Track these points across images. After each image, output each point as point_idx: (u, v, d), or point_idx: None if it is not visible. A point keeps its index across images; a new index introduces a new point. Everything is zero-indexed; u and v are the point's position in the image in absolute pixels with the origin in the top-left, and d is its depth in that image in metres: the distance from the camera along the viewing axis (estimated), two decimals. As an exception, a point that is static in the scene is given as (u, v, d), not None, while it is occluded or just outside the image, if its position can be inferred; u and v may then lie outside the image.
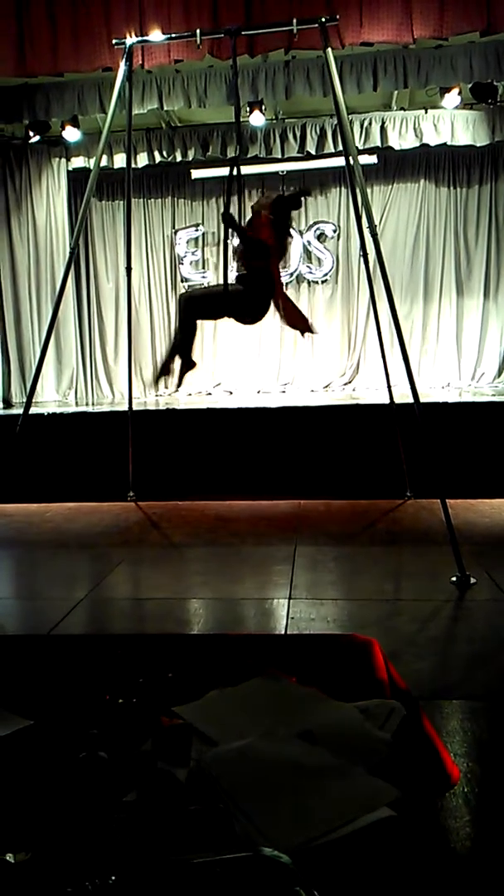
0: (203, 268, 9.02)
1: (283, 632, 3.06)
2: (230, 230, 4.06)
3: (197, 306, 4.40)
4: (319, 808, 1.11)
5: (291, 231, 4.27)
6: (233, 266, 4.22)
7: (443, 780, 1.77)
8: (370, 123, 7.80)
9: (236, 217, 4.07)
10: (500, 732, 2.19)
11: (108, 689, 1.53)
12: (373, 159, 8.20)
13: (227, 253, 4.10)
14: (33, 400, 4.81)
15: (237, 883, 0.91)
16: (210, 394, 8.92)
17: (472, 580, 3.68)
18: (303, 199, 4.26)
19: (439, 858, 1.39)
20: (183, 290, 9.01)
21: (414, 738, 1.49)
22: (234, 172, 4.07)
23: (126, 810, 1.10)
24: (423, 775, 1.52)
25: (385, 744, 1.28)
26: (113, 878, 0.92)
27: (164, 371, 4.39)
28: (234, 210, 4.08)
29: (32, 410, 4.78)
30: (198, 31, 4.63)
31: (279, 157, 8.03)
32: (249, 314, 4.22)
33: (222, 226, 4.06)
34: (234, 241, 4.16)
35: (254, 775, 1.18)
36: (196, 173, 8.47)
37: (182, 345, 4.26)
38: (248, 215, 4.25)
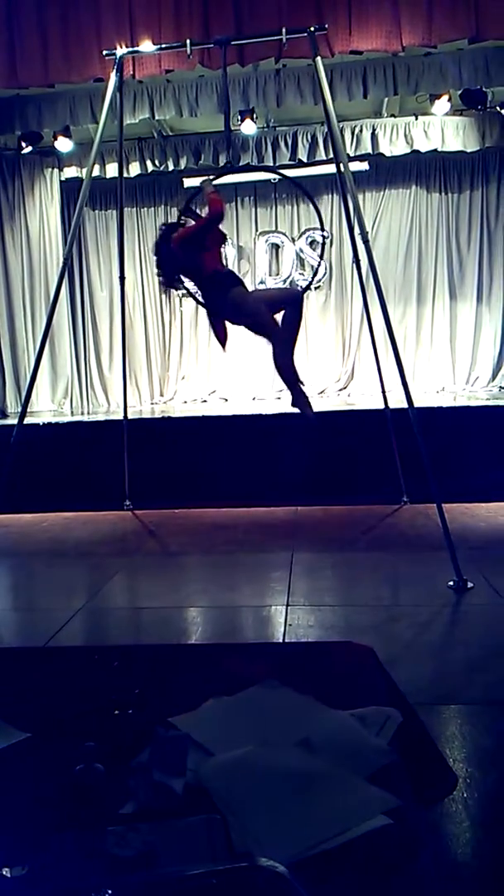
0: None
1: (280, 639, 3.06)
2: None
3: None
4: (316, 816, 1.11)
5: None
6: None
7: (441, 786, 1.76)
8: (361, 130, 7.84)
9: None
10: (498, 737, 2.19)
11: (104, 700, 1.52)
12: (364, 166, 8.24)
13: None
14: (28, 409, 4.81)
15: (233, 893, 0.91)
16: (205, 401, 8.93)
17: (469, 585, 3.68)
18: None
19: (438, 865, 1.39)
20: (178, 299, 9.03)
21: (411, 744, 1.49)
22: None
23: (123, 822, 1.09)
24: (420, 782, 1.52)
25: (382, 752, 1.28)
26: (109, 891, 0.92)
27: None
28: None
29: (27, 420, 4.78)
30: (188, 41, 4.65)
31: (271, 164, 8.06)
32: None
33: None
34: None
35: (250, 785, 1.18)
36: (188, 182, 8.50)
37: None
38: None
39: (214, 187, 4.18)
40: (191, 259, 4.06)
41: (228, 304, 4.11)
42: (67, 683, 1.68)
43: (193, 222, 4.41)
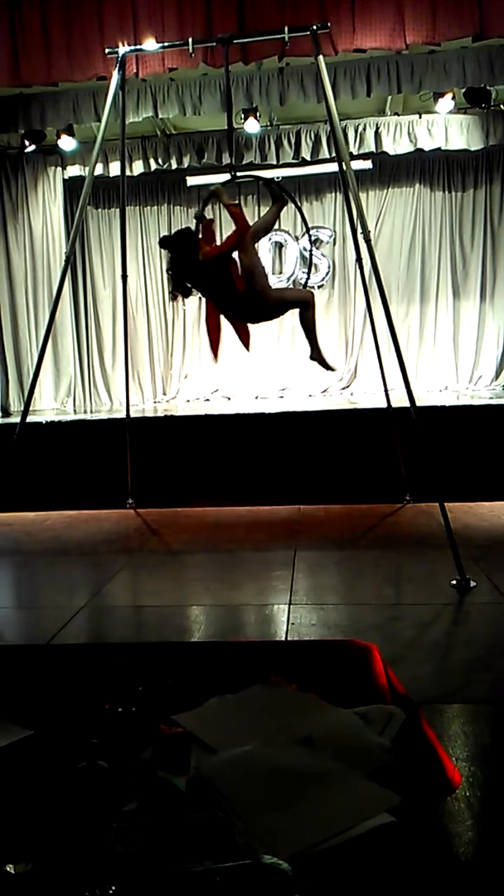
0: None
1: (283, 638, 3.06)
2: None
3: None
4: (319, 814, 1.11)
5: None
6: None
7: (444, 784, 1.77)
8: (364, 129, 7.83)
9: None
10: (501, 736, 2.19)
11: (107, 698, 1.52)
12: (368, 164, 8.23)
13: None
14: (31, 408, 4.81)
15: (237, 891, 0.91)
16: (208, 399, 8.93)
17: (472, 584, 3.68)
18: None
19: (441, 863, 1.39)
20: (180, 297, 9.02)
21: (414, 742, 1.49)
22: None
23: (126, 819, 1.10)
24: (423, 780, 1.52)
25: (385, 749, 1.28)
26: (113, 888, 0.92)
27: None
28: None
29: (30, 419, 4.79)
30: (190, 39, 4.65)
31: (274, 163, 8.05)
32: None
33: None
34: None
35: (253, 782, 1.18)
36: (192, 180, 8.50)
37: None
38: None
39: (232, 198, 4.23)
40: (223, 275, 4.10)
41: (253, 311, 4.25)
42: (70, 681, 1.68)
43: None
